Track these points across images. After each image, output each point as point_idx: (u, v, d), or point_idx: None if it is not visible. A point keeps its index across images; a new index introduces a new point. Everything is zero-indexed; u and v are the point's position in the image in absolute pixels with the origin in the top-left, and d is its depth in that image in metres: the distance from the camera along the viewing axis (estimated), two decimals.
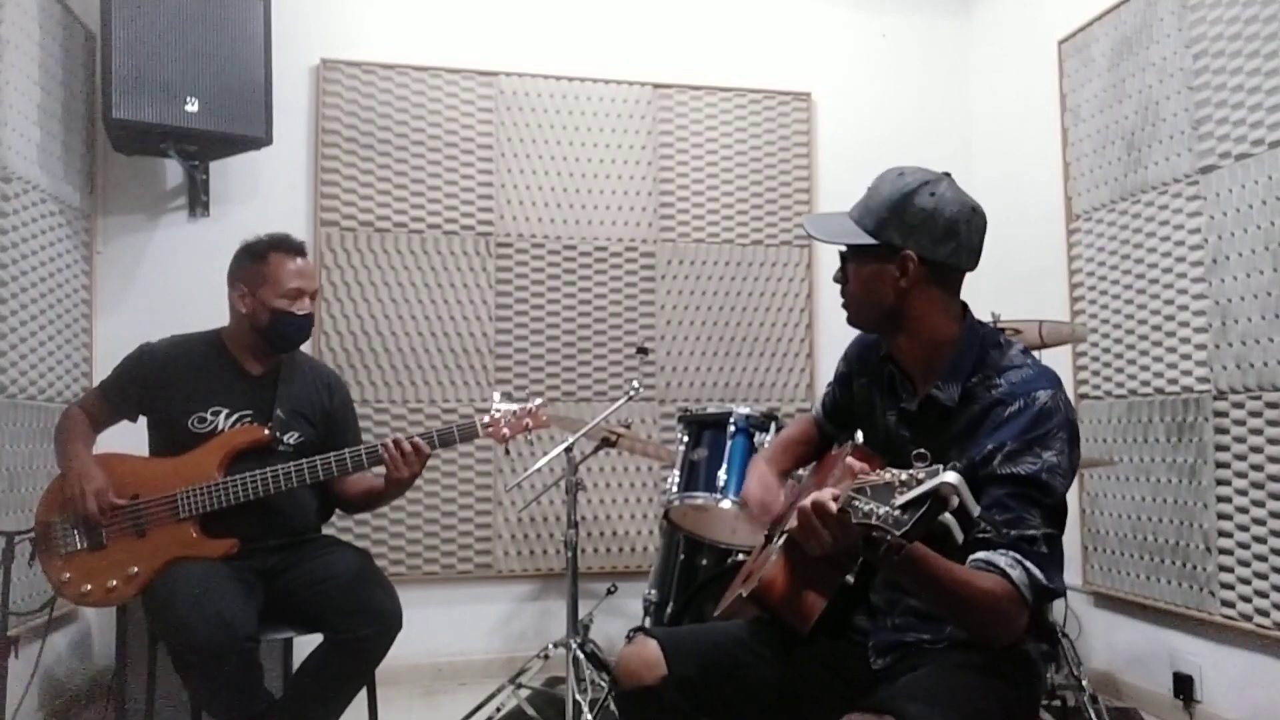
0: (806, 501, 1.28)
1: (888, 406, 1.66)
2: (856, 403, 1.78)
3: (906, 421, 1.62)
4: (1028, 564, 1.36)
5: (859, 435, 1.76)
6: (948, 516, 1.12)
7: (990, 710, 1.43)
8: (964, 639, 1.51)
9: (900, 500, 1.14)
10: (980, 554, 1.37)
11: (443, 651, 3.62)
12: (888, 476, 1.17)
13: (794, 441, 1.97)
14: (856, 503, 1.18)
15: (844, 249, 1.61)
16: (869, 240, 1.54)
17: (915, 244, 1.51)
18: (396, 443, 2.30)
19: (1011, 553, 1.36)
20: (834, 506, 1.23)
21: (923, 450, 1.18)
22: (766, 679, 1.60)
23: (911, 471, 1.15)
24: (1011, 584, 1.34)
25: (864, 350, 1.78)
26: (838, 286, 1.65)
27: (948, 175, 1.57)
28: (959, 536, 1.13)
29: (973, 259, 1.55)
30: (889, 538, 1.14)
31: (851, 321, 1.66)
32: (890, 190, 1.54)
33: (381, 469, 2.37)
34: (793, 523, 1.50)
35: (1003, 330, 1.62)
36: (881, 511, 1.14)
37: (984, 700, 1.43)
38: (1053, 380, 1.50)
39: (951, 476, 1.11)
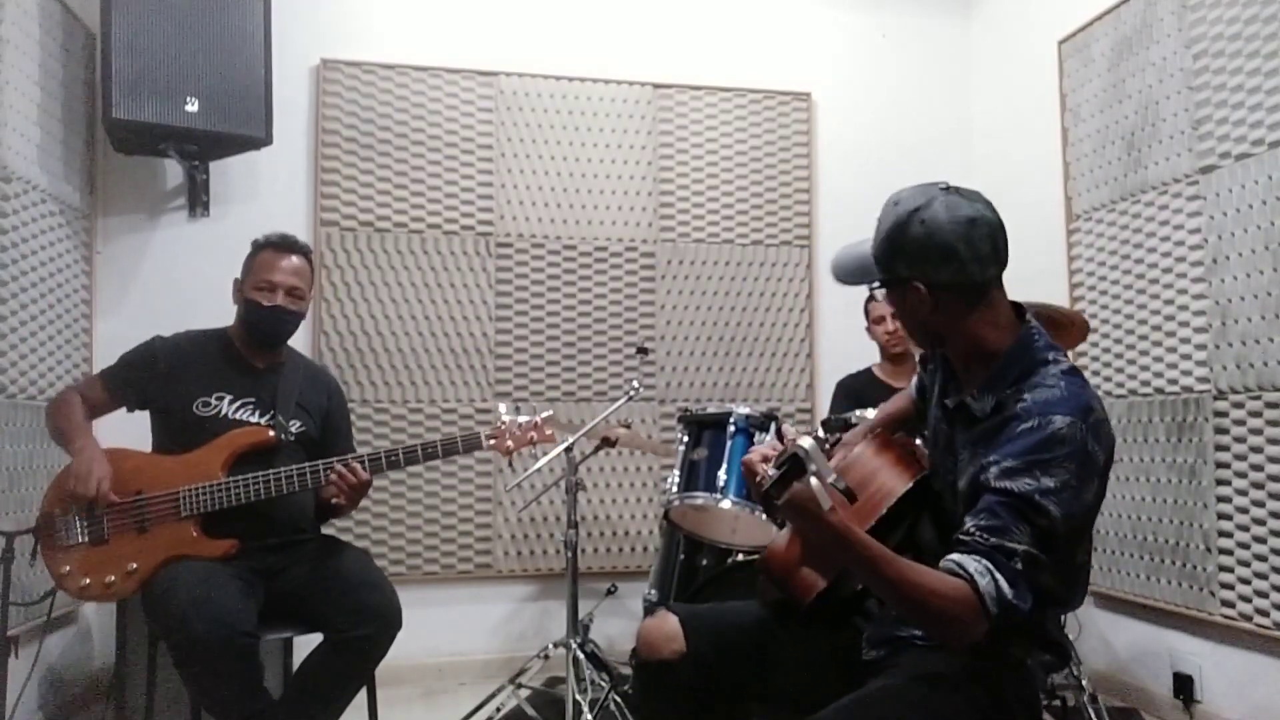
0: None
1: (939, 399, 1.69)
2: (925, 392, 1.81)
3: (947, 417, 1.64)
4: (998, 575, 1.33)
5: (867, 413, 1.83)
6: (811, 480, 1.36)
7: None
8: None
9: (774, 462, 1.46)
10: (954, 556, 1.36)
11: (443, 651, 3.62)
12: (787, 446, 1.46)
13: (891, 417, 1.94)
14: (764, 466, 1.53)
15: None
16: (880, 276, 1.57)
17: (920, 273, 1.51)
18: (349, 467, 2.30)
19: (986, 561, 1.34)
20: (762, 470, 1.48)
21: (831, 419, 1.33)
22: (778, 663, 1.64)
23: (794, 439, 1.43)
24: (975, 591, 1.32)
25: None
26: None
27: (943, 190, 1.53)
28: (825, 503, 1.35)
29: (987, 266, 1.51)
30: (764, 489, 1.44)
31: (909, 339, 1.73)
32: (888, 224, 1.54)
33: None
34: None
35: (1059, 348, 1.58)
36: (770, 472, 1.45)
37: (951, 712, 1.44)
38: (1078, 409, 1.42)
39: (805, 441, 1.38)
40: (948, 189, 1.53)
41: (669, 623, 1.67)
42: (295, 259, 2.45)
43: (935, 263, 1.50)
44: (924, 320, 1.55)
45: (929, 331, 1.59)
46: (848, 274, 1.65)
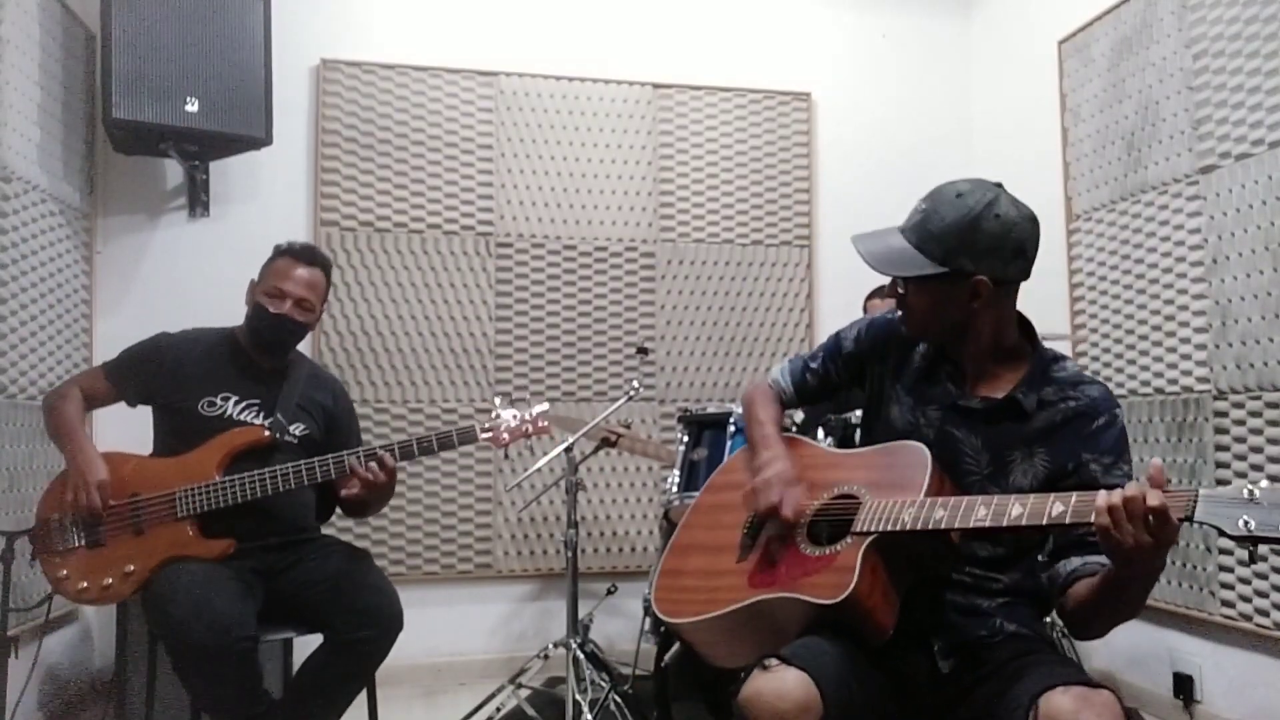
0: (1158, 506, 1.26)
1: (924, 401, 1.64)
2: (872, 388, 1.75)
3: (956, 419, 1.60)
4: None
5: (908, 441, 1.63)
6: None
7: None
8: (1014, 632, 1.54)
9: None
10: (1099, 556, 1.45)
11: (443, 651, 3.62)
12: (1245, 492, 1.22)
13: (777, 422, 1.86)
14: (1245, 521, 1.22)
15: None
16: (938, 270, 1.52)
17: (987, 268, 1.51)
18: (369, 454, 2.28)
19: None
20: (1173, 511, 1.26)
21: None
22: (878, 707, 1.50)
23: None
24: None
25: (890, 338, 1.73)
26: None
27: (1000, 188, 1.55)
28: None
29: (1031, 268, 1.57)
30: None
31: (911, 333, 1.66)
32: (955, 216, 1.51)
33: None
34: (869, 523, 1.47)
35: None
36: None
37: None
38: (1115, 399, 1.59)
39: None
40: (1000, 186, 1.56)
41: (791, 683, 1.36)
42: (310, 271, 2.42)
43: (1007, 258, 1.52)
44: (960, 316, 1.55)
45: (953, 326, 1.57)
46: (887, 265, 1.57)
